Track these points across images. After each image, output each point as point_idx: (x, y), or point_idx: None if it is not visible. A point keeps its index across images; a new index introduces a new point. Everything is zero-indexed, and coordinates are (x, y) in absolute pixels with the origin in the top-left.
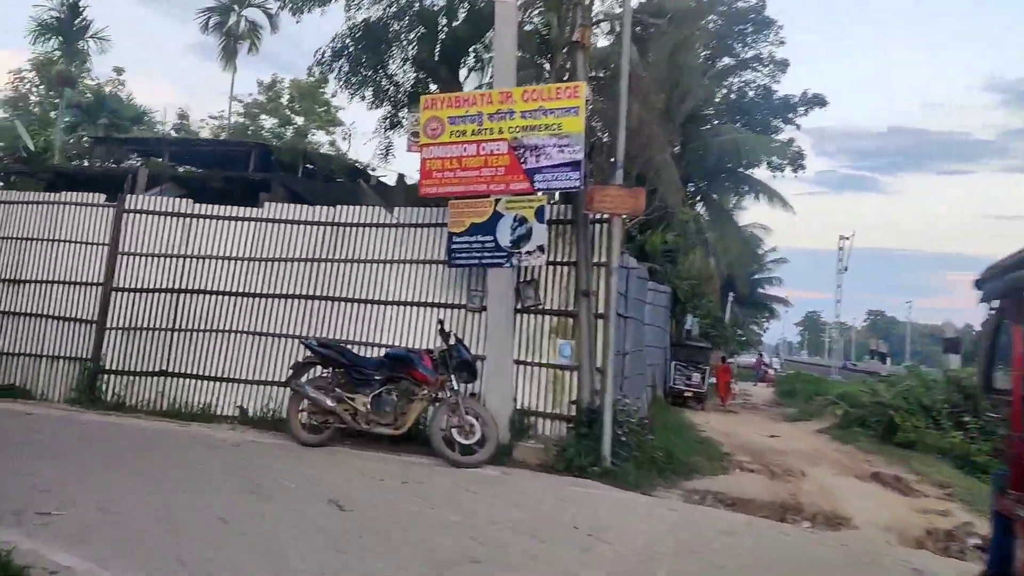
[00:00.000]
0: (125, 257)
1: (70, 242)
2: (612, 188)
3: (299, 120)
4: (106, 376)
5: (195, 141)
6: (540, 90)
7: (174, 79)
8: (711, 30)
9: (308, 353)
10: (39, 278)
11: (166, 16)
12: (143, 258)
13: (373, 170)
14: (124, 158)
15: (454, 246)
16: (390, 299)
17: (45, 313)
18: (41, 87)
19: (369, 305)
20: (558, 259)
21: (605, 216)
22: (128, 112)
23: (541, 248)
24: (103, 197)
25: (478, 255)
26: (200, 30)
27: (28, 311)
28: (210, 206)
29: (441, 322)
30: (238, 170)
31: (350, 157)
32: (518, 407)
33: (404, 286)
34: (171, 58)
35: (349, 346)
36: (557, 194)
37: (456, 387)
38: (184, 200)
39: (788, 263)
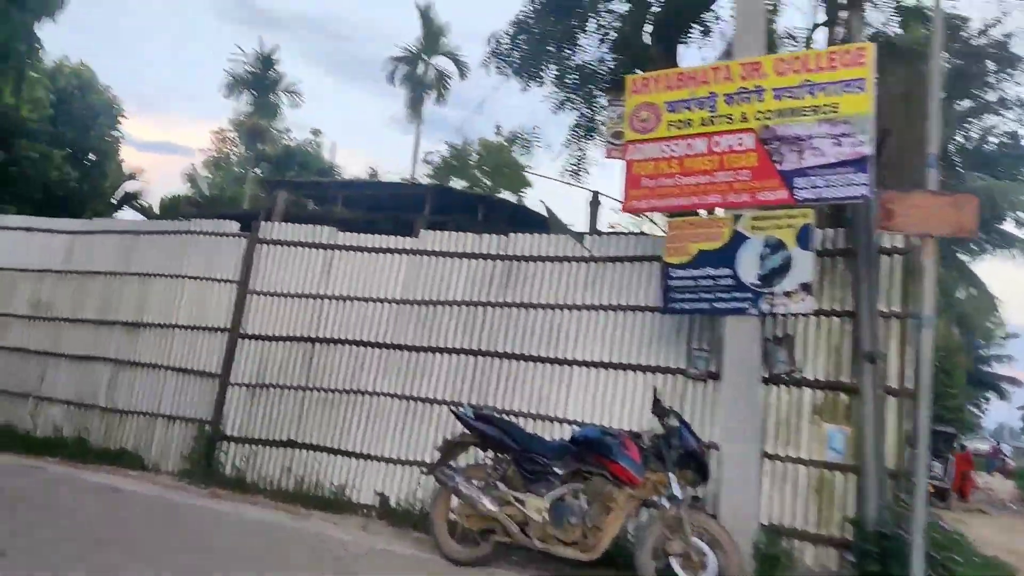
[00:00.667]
0: (255, 297)
1: (195, 278)
2: (922, 195)
3: (487, 182)
4: (226, 444)
5: (368, 183)
6: (804, 57)
7: (370, 149)
8: (946, 69)
9: (462, 429)
10: (160, 321)
11: (368, 92)
12: (276, 299)
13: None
14: (303, 206)
15: (673, 283)
16: (576, 358)
17: (164, 364)
18: (239, 147)
19: (547, 365)
20: (824, 306)
21: (898, 244)
22: (316, 165)
23: (806, 287)
24: (236, 226)
25: (708, 296)
26: (386, 81)
27: (146, 361)
28: (355, 236)
29: (657, 392)
30: (414, 215)
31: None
32: (765, 523)
33: (596, 340)
34: (369, 130)
35: (518, 420)
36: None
37: (677, 492)
38: (325, 228)
39: (1018, 338)
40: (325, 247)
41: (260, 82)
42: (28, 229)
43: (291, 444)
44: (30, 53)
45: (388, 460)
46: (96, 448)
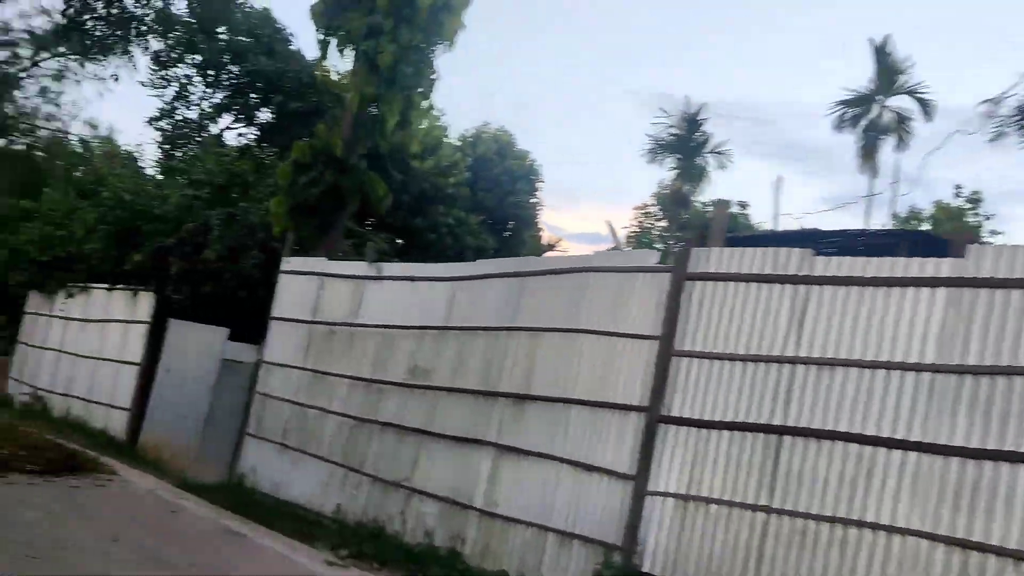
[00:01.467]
0: (685, 360)
1: (596, 333)
2: None
3: None
4: None
5: (820, 232)
6: None
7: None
8: None
9: None
10: (550, 393)
11: (796, 173)
12: (716, 362)
13: None
14: None
15: None
16: None
17: (556, 454)
18: (661, 220)
19: None
20: None
21: None
22: (741, 229)
23: None
24: (654, 256)
25: None
26: (832, 127)
27: (534, 448)
28: (846, 261)
29: None
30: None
31: None
32: None
33: None
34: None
35: None
36: None
37: None
38: (793, 252)
39: None
40: (795, 281)
41: (684, 144)
42: (411, 279)
43: None
44: (419, 78)
45: None
46: (471, 567)
